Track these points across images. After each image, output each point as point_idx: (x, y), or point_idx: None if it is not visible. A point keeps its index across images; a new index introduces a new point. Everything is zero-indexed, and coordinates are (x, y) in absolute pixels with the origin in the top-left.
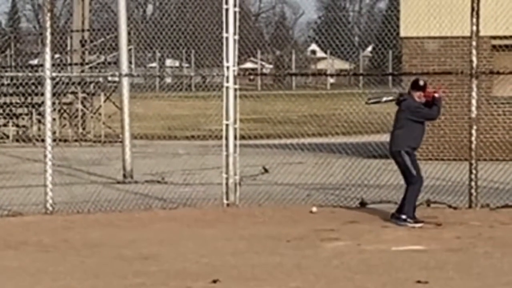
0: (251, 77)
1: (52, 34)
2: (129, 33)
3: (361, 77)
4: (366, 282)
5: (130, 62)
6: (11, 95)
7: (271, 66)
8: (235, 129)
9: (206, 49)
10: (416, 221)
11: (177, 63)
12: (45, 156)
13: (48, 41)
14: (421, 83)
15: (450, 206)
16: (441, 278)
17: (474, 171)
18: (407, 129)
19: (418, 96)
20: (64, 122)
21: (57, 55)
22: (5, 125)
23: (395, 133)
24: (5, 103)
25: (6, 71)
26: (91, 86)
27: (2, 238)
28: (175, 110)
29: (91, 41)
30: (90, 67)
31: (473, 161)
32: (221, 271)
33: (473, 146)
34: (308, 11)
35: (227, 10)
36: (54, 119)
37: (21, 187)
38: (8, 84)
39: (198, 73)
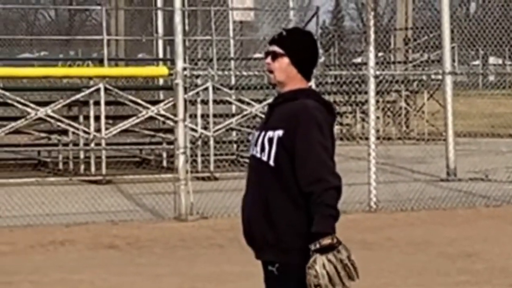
0: None
1: (375, 32)
2: (452, 31)
3: None
4: None
5: (453, 60)
6: (335, 93)
7: None
8: None
9: None
10: None
11: (500, 61)
12: (369, 154)
13: (371, 39)
14: None
15: None
16: None
17: None
18: None
19: None
20: (387, 120)
21: (380, 53)
22: None
23: None
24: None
25: (330, 70)
26: (415, 84)
27: None
28: (499, 108)
29: (415, 39)
30: (414, 65)
31: None
32: None
33: None
34: None
35: None
36: (377, 117)
37: (345, 185)
38: (332, 83)
39: None
